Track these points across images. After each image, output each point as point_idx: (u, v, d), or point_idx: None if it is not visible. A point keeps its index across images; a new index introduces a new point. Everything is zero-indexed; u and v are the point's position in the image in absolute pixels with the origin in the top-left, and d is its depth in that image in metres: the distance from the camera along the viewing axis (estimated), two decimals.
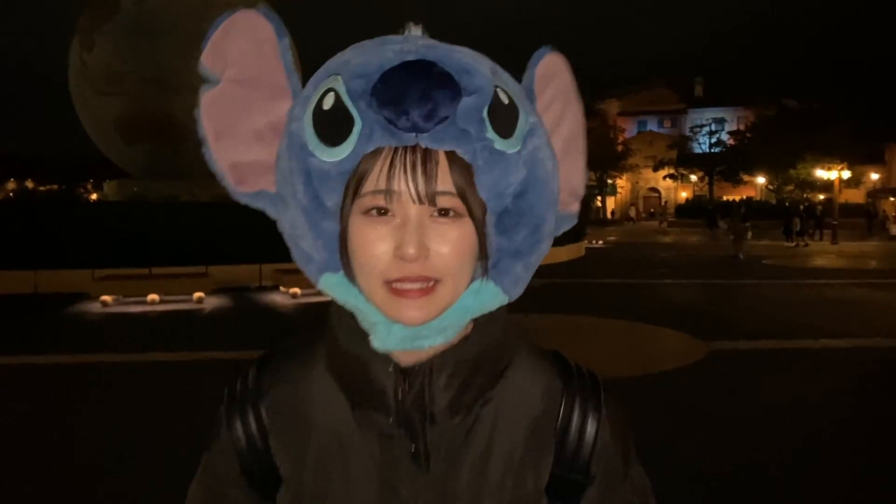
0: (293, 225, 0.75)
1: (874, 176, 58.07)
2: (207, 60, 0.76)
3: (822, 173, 46.46)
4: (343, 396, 0.80)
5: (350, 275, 0.73)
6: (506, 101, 0.71)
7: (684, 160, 66.64)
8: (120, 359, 8.23)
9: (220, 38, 0.76)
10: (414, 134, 0.66)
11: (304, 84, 0.77)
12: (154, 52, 16.81)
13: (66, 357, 8.26)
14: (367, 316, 0.75)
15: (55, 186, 64.18)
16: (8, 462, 5.00)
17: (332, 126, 0.69)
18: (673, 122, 76.88)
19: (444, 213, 0.69)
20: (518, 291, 0.78)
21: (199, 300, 12.69)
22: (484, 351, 0.80)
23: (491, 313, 0.79)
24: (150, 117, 16.95)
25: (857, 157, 50.60)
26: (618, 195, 74.97)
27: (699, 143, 67.72)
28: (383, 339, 0.75)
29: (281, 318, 11.36)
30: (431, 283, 0.71)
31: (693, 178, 68.70)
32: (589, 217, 33.56)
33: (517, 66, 0.82)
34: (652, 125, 77.75)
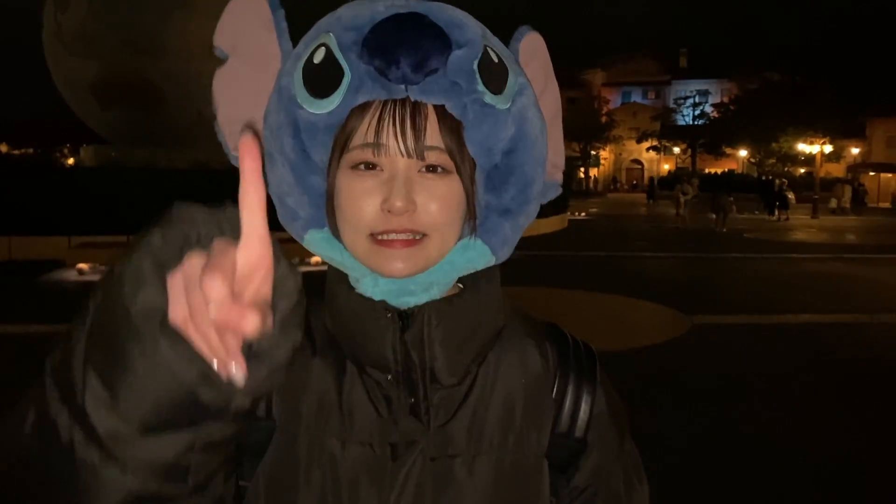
0: (280, 182, 0.75)
1: (854, 150, 58.52)
2: (217, 40, 0.79)
3: (804, 147, 46.74)
4: (343, 352, 0.80)
5: (335, 230, 0.74)
6: (495, 59, 0.72)
7: (668, 132, 66.79)
8: None
9: (223, 19, 0.78)
10: (403, 86, 0.66)
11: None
12: (131, 14, 16.41)
13: (40, 326, 8.10)
14: (352, 271, 0.76)
15: (30, 151, 63.16)
16: None
17: (322, 78, 0.70)
18: (657, 94, 76.95)
19: (432, 168, 0.70)
20: (505, 253, 0.78)
21: None
22: (480, 307, 0.79)
23: (485, 273, 0.80)
24: (126, 81, 16.57)
25: (837, 132, 50.94)
26: (601, 167, 75.13)
27: (683, 116, 67.89)
28: (370, 293, 0.75)
29: None
30: (418, 237, 0.71)
31: (676, 150, 68.94)
32: (571, 189, 33.57)
33: (501, 36, 0.82)
34: (636, 96, 77.82)
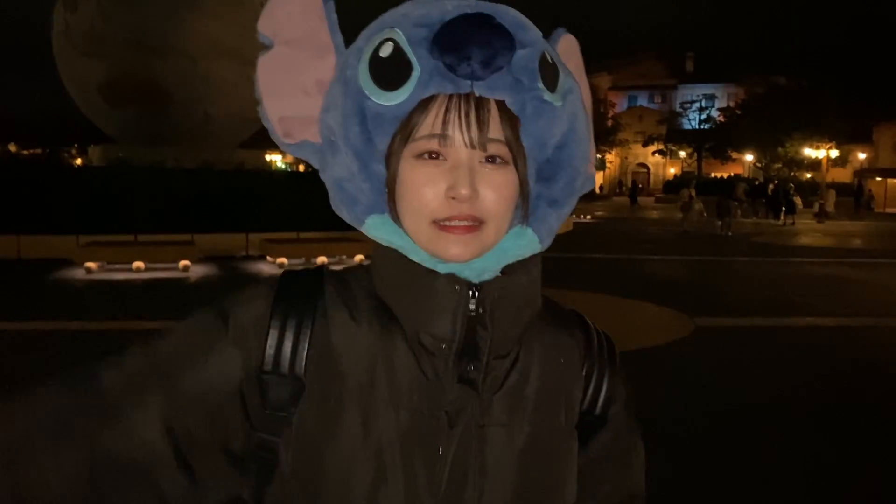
0: (341, 168, 0.78)
1: (861, 155, 58.31)
2: (262, 26, 0.81)
3: (810, 152, 46.58)
4: (396, 323, 0.81)
5: (395, 216, 0.78)
6: (550, 60, 0.77)
7: (674, 136, 66.66)
8: (104, 326, 8.15)
9: (272, 5, 0.81)
10: (470, 82, 0.71)
11: (347, 43, 0.82)
12: (138, 14, 16.50)
13: (49, 324, 8.18)
14: (411, 255, 0.79)
15: (39, 150, 63.37)
16: None
17: (391, 71, 0.73)
18: (663, 98, 76.78)
19: (491, 159, 0.74)
20: (549, 242, 0.83)
21: (185, 268, 12.60)
22: (530, 288, 0.84)
23: (530, 258, 0.83)
24: (134, 81, 16.67)
25: (844, 136, 50.77)
26: (606, 170, 75.01)
27: (689, 120, 67.72)
28: (455, 268, 0.79)
29: None
30: (477, 224, 0.75)
31: (682, 154, 68.79)
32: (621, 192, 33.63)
33: None
34: (642, 100, 77.67)
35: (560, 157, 0.79)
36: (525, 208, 0.79)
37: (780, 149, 53.19)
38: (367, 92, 0.74)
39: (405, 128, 0.73)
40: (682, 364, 6.94)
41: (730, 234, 22.74)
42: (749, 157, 59.63)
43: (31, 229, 13.54)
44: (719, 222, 23.93)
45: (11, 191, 13.82)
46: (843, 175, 57.25)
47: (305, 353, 0.80)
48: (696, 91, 70.81)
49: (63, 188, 14.22)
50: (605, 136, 65.74)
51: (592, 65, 78.34)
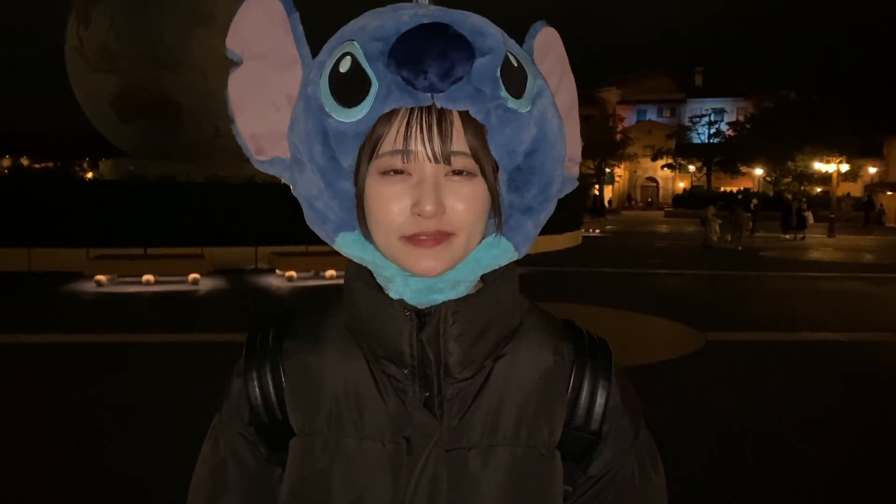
0: (309, 186, 0.77)
1: (872, 170, 58.05)
2: (229, 42, 0.80)
3: (820, 166, 46.41)
4: (360, 351, 0.83)
5: (366, 232, 0.77)
6: (515, 64, 0.74)
7: (683, 150, 66.59)
8: (114, 339, 8.18)
9: (237, 21, 0.80)
10: (430, 94, 0.69)
11: (315, 55, 0.80)
12: (150, 30, 16.66)
13: (59, 336, 8.21)
14: (384, 270, 0.79)
15: (50, 164, 63.82)
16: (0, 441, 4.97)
17: (349, 87, 0.71)
18: (672, 112, 76.74)
19: (458, 172, 0.73)
20: (526, 249, 0.81)
21: (195, 282, 12.64)
22: (496, 305, 0.82)
23: (503, 272, 0.83)
24: (146, 95, 16.81)
25: (855, 151, 50.57)
26: (615, 184, 74.96)
27: (698, 134, 67.65)
28: (400, 291, 0.79)
29: (276, 301, 11.31)
30: (448, 239, 0.74)
31: (691, 168, 68.69)
32: (586, 206, 33.48)
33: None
34: (651, 114, 77.64)
35: (531, 164, 0.76)
36: (498, 218, 0.77)
37: (790, 163, 53.03)
38: (327, 109, 0.73)
39: (368, 144, 0.72)
40: (692, 379, 6.89)
41: (739, 248, 22.65)
42: (759, 172, 59.47)
43: (42, 242, 13.63)
44: (729, 236, 23.86)
45: (23, 204, 13.92)
46: (854, 189, 57.02)
47: (283, 394, 0.85)
48: (705, 105, 70.67)
49: (74, 202, 14.31)
50: (614, 150, 65.73)
51: (601, 79, 78.57)
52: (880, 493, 4.43)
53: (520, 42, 0.83)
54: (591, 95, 74.83)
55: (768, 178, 58.69)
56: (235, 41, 0.80)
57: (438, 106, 0.70)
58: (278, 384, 0.85)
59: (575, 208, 24.33)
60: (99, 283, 12.16)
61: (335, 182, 0.75)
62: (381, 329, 0.79)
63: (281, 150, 0.81)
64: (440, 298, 0.78)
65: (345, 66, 0.72)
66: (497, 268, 0.81)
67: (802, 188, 52.27)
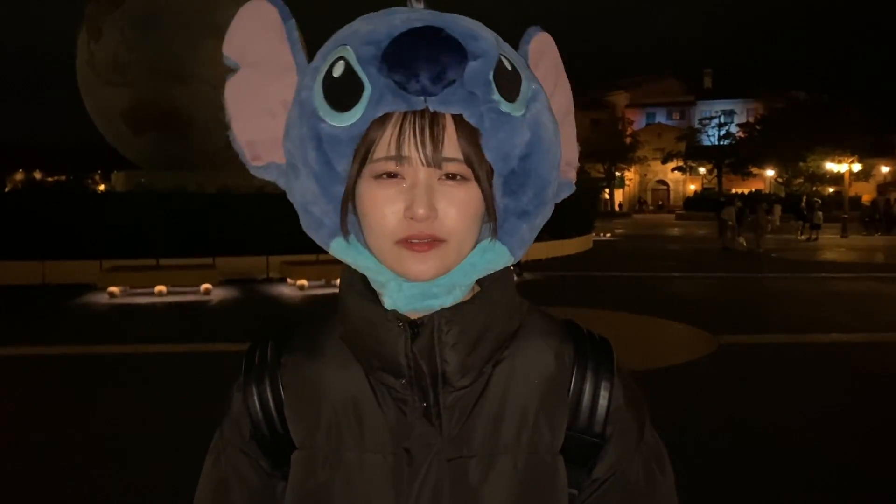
0: (304, 192, 0.77)
1: (884, 169, 57.66)
2: (226, 49, 0.81)
3: (832, 166, 46.15)
4: (357, 364, 0.83)
5: (360, 237, 0.77)
6: (509, 68, 0.74)
7: (693, 153, 66.35)
8: (127, 350, 8.23)
9: (233, 28, 0.81)
10: (423, 98, 0.69)
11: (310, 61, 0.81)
12: (161, 42, 16.79)
13: (73, 348, 8.26)
14: (378, 275, 0.78)
15: (63, 177, 64.29)
16: (15, 452, 5.00)
17: (343, 92, 0.71)
18: (682, 115, 76.52)
19: (451, 176, 0.72)
20: (522, 253, 0.80)
21: (207, 292, 12.69)
22: (492, 311, 0.81)
23: (498, 277, 0.83)
24: (156, 107, 16.93)
25: (866, 150, 50.27)
26: (626, 188, 74.79)
27: (708, 136, 67.41)
28: (394, 297, 0.78)
29: (288, 310, 11.34)
30: (440, 245, 0.73)
31: (702, 170, 68.43)
32: (597, 210, 33.38)
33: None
34: (661, 117, 77.46)
35: (526, 168, 0.75)
36: (493, 222, 0.76)
37: (801, 164, 52.77)
38: (321, 114, 0.73)
39: (362, 149, 0.72)
40: (705, 382, 6.86)
41: (761, 249, 22.48)
42: (770, 173, 59.20)
43: (55, 255, 13.72)
44: (743, 239, 23.72)
45: (36, 217, 14.03)
46: (867, 189, 56.66)
47: (283, 408, 0.85)
48: (714, 107, 70.43)
49: (86, 214, 14.40)
50: (624, 153, 65.59)
51: (610, 83, 78.47)
52: None
53: (514, 47, 0.82)
54: (600, 99, 74.74)
55: (780, 180, 58.41)
56: (231, 48, 0.80)
57: (431, 109, 0.69)
58: (278, 398, 0.85)
59: (586, 212, 24.29)
60: (112, 295, 12.23)
61: (330, 187, 0.75)
62: (375, 341, 0.79)
63: (277, 157, 0.81)
64: (435, 304, 0.78)
65: (338, 71, 0.72)
66: (492, 272, 0.81)
67: (815, 188, 51.97)
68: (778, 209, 28.85)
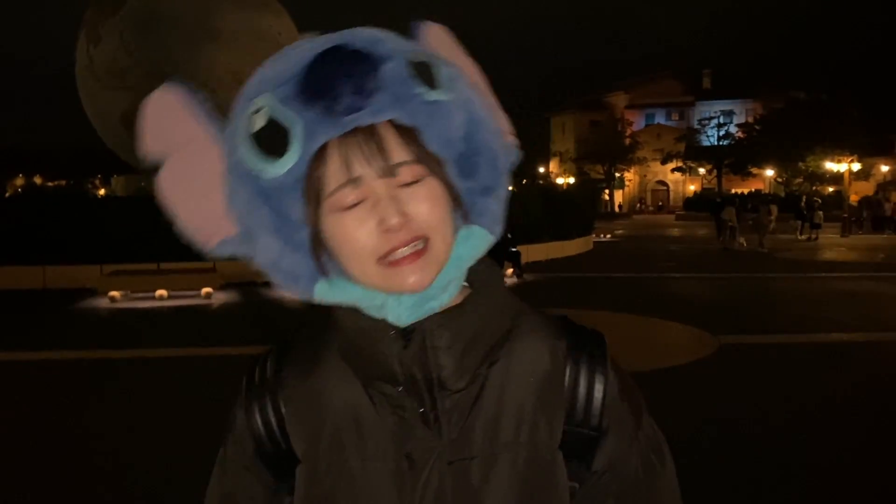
0: (268, 251, 0.76)
1: (884, 168, 57.67)
2: (144, 150, 0.79)
3: (831, 165, 46.15)
4: (355, 375, 0.83)
5: (340, 272, 0.76)
6: (421, 59, 0.73)
7: (692, 153, 66.40)
8: (128, 355, 8.23)
9: (144, 126, 0.79)
10: (352, 116, 0.68)
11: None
12: (160, 46, 16.81)
13: (74, 353, 8.26)
14: (373, 300, 0.78)
15: (63, 182, 64.45)
16: (15, 458, 5.00)
17: (272, 140, 0.70)
18: (681, 115, 76.56)
19: (408, 181, 0.72)
20: (499, 228, 0.80)
21: (208, 296, 12.70)
22: (484, 312, 0.81)
23: (487, 278, 0.83)
24: None
25: (866, 149, 50.30)
26: (626, 188, 74.83)
27: (707, 136, 67.45)
28: (396, 311, 0.77)
29: (289, 314, 11.30)
30: (422, 245, 0.73)
31: (701, 171, 68.47)
32: (597, 211, 33.41)
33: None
34: (660, 118, 77.51)
35: (473, 146, 0.76)
36: (462, 209, 0.77)
37: (800, 163, 52.79)
38: (257, 169, 0.71)
39: (312, 187, 0.71)
40: (706, 383, 6.85)
41: (765, 250, 22.47)
42: (769, 173, 59.21)
43: (56, 260, 13.74)
44: (743, 239, 23.72)
45: (37, 222, 14.04)
46: (866, 188, 56.67)
47: (284, 423, 0.85)
48: (713, 108, 70.47)
49: (87, 219, 14.42)
50: (623, 154, 65.63)
51: (609, 84, 78.53)
52: None
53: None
54: (599, 101, 74.86)
55: (779, 179, 58.42)
56: (148, 145, 0.79)
57: (364, 124, 0.69)
58: (279, 414, 0.86)
59: (586, 214, 24.30)
60: (113, 299, 12.24)
61: (293, 236, 0.74)
62: (370, 352, 0.79)
63: (229, 230, 0.79)
64: (435, 305, 0.78)
65: (261, 121, 0.70)
66: (479, 256, 0.81)
67: (814, 188, 51.98)
68: (774, 209, 28.80)
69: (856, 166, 45.72)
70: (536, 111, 78.71)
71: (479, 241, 0.79)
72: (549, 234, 19.65)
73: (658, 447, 0.91)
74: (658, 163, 69.18)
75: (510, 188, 0.82)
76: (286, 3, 18.84)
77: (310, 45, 0.72)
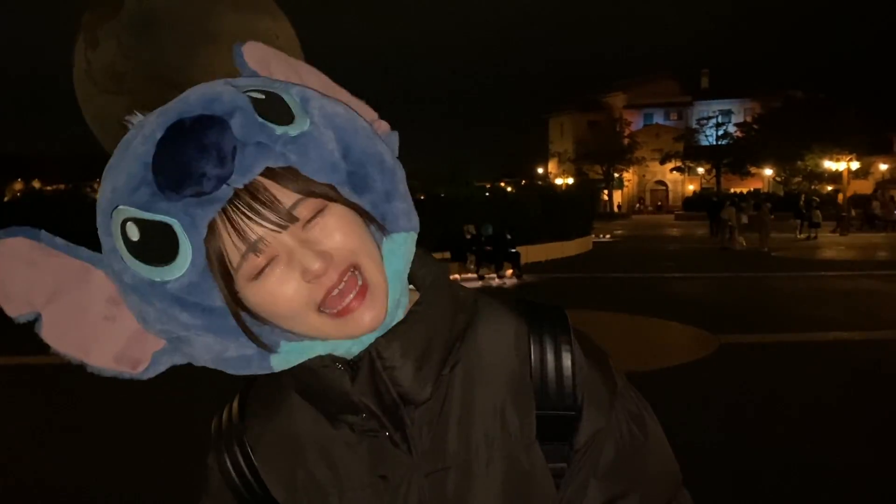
0: (207, 348, 0.72)
1: (882, 167, 57.65)
2: (11, 311, 0.72)
3: (830, 164, 46.16)
4: (317, 412, 0.81)
5: (286, 338, 0.74)
6: (263, 96, 0.69)
7: (691, 153, 66.44)
8: None
9: (1, 288, 0.72)
10: (224, 186, 0.64)
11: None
12: (158, 50, 16.79)
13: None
14: (336, 349, 0.75)
15: (62, 186, 64.36)
16: (15, 457, 4.99)
17: (156, 247, 0.66)
18: (679, 115, 76.61)
19: (310, 219, 0.69)
20: (416, 220, 0.77)
21: None
22: (431, 317, 0.79)
23: (432, 282, 0.80)
24: None
25: (864, 148, 50.31)
26: (625, 189, 74.86)
27: (706, 136, 67.48)
28: (362, 346, 0.75)
29: None
30: (356, 275, 0.70)
31: (700, 170, 68.50)
32: (596, 211, 33.43)
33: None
34: (658, 118, 77.53)
35: (356, 160, 0.72)
36: (375, 222, 0.74)
37: (799, 162, 52.80)
38: (158, 279, 0.67)
39: (217, 269, 0.67)
40: (707, 383, 6.85)
41: (766, 249, 22.45)
42: (768, 172, 59.23)
43: None
44: (743, 239, 23.71)
45: (35, 226, 14.01)
46: (865, 187, 56.66)
47: (258, 470, 0.84)
48: (711, 107, 70.50)
49: (86, 223, 14.36)
50: (622, 154, 65.65)
51: (607, 84, 78.54)
52: None
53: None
54: (598, 101, 74.87)
55: (778, 179, 58.43)
56: (15, 305, 0.72)
57: (241, 186, 0.65)
58: (249, 462, 0.84)
59: (585, 214, 24.30)
60: None
61: (226, 323, 0.71)
62: (322, 389, 0.77)
63: (154, 346, 0.75)
64: (393, 322, 0.76)
65: (134, 234, 0.66)
66: (411, 259, 0.78)
67: (813, 187, 51.99)
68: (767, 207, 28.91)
69: (854, 165, 45.77)
70: (535, 112, 78.81)
71: (405, 246, 0.77)
72: (549, 235, 19.66)
73: (638, 416, 0.88)
74: (657, 163, 69.20)
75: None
76: (284, 7, 18.86)
77: (143, 134, 0.67)
